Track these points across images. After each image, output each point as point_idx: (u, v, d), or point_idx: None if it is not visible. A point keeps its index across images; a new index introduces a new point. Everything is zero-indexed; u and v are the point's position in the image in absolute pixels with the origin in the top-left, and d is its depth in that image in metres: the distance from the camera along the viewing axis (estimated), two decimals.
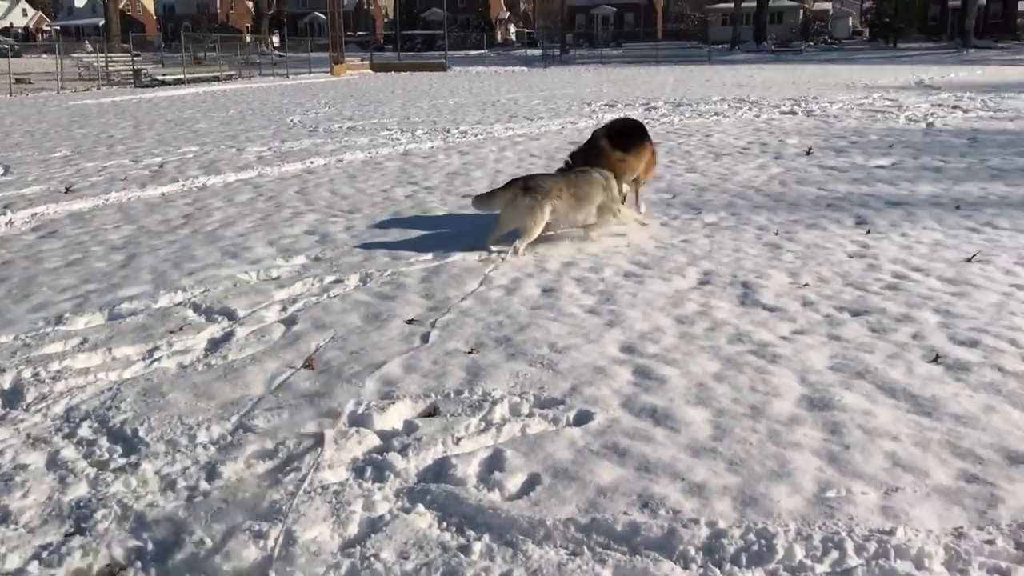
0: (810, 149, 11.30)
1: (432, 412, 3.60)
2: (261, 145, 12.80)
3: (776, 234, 6.82)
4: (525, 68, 47.43)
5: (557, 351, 4.30)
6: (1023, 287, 5.31)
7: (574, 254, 6.27)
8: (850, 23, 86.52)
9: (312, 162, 10.92)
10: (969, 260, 5.93)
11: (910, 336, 4.50)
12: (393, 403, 3.68)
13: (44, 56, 47.72)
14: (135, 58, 46.24)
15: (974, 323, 4.65)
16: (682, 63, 50.06)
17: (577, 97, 22.44)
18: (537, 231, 6.25)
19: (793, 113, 16.54)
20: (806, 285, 5.45)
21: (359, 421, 3.54)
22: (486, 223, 6.78)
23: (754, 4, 70.66)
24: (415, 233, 6.97)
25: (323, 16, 53.83)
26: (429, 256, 6.25)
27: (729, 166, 10.19)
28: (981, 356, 4.18)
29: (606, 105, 19.54)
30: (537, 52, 61.77)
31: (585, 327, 4.67)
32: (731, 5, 72.40)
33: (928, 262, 5.92)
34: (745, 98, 20.48)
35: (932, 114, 15.76)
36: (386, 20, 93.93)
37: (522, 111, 18.35)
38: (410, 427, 3.49)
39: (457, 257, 6.20)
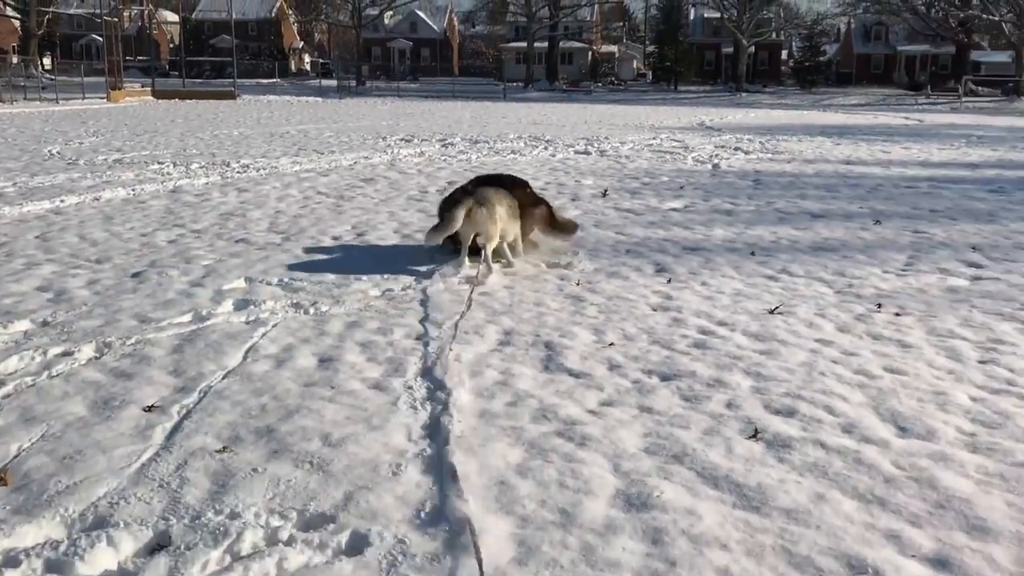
0: (606, 191, 11.15)
1: (159, 545, 2.77)
2: (5, 180, 11.19)
3: (578, 284, 6.40)
4: (320, 99, 46.21)
5: (331, 444, 3.56)
6: (827, 342, 5.09)
7: (359, 311, 5.55)
8: (635, 65, 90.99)
9: (63, 200, 9.56)
10: (772, 312, 5.71)
11: (724, 405, 4.10)
12: (107, 535, 2.80)
13: None
14: None
15: (787, 387, 4.34)
16: (478, 99, 50.52)
17: (372, 130, 21.72)
18: (497, 237, 6.66)
19: (587, 153, 16.60)
20: (612, 344, 5.01)
21: (55, 568, 2.65)
22: (260, 272, 5.95)
23: (546, 44, 72.83)
24: (173, 288, 6.01)
25: (100, 39, 50.09)
26: (186, 318, 5.34)
27: None
28: (800, 429, 3.82)
29: (402, 139, 18.96)
30: (332, 83, 60.55)
31: (367, 409, 3.96)
32: (524, 44, 74.23)
33: (732, 315, 5.65)
34: (540, 136, 20.52)
35: (717, 155, 16.27)
36: (171, 45, 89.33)
37: (312, 144, 17.43)
38: (124, 573, 2.64)
39: (220, 319, 5.34)
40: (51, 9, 75.24)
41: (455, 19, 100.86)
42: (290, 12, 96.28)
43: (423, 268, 6.72)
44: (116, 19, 55.50)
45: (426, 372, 4.50)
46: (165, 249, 7.29)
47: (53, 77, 54.06)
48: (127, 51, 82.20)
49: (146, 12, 69.85)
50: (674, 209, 9.98)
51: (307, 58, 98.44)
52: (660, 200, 10.62)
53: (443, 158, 15.17)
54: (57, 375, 4.34)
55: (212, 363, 4.54)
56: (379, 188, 11.16)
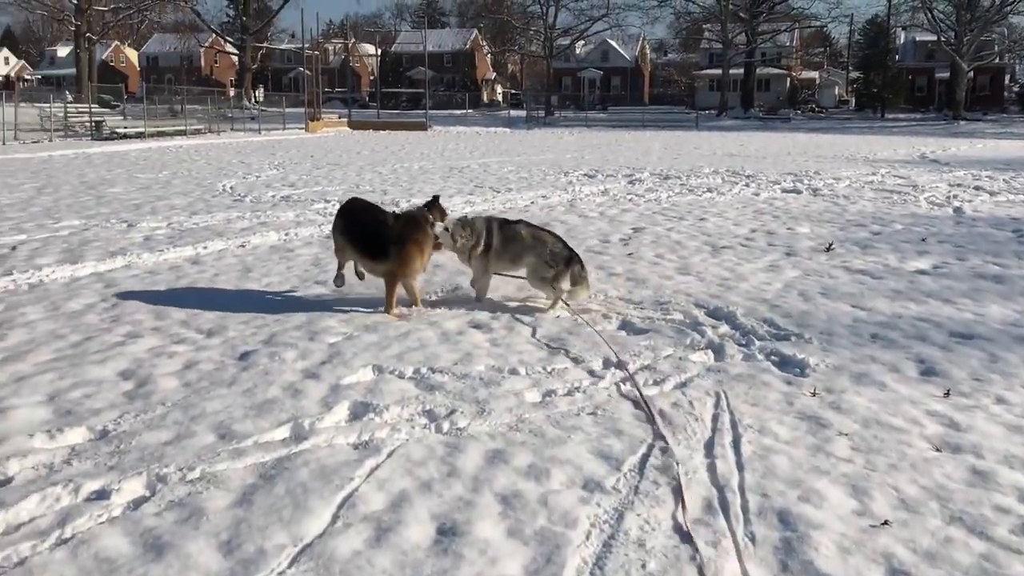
0: (831, 245, 9.14)
1: None
2: (162, 219, 10.56)
3: (814, 394, 4.60)
4: (508, 129, 45.76)
5: None
6: None
7: (509, 429, 4.02)
8: (836, 92, 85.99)
9: (206, 247, 8.67)
10: None
11: None
12: None
13: (23, 105, 45.69)
14: (104, 109, 44.29)
15: None
16: (669, 128, 48.59)
17: (555, 164, 20.41)
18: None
19: (797, 191, 14.49)
20: (885, 524, 3.22)
21: None
22: (394, 358, 4.58)
23: (741, 71, 69.80)
24: (280, 380, 4.71)
25: (309, 72, 52.13)
26: (280, 433, 4.00)
27: (732, 266, 8.01)
28: None
29: (585, 175, 17.49)
30: (522, 113, 60.31)
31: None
32: (718, 71, 71.50)
33: None
34: (740, 171, 18.49)
35: (955, 196, 13.77)
36: (371, 77, 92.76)
37: (490, 180, 16.27)
38: None
39: (323, 437, 3.95)
40: (264, 45, 79.74)
41: (647, 47, 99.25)
42: (484, 44, 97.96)
43: (596, 361, 5.13)
44: (318, 53, 57.76)
45: (599, 561, 2.90)
46: (292, 317, 6.07)
47: (264, 109, 56.96)
48: (330, 83, 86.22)
49: (348, 46, 72.73)
50: (921, 271, 7.88)
51: (499, 89, 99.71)
52: (900, 257, 8.53)
53: (629, 197, 13.55)
54: (68, 539, 3.05)
55: (283, 531, 3.12)
56: None
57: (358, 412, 4.32)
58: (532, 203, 12.80)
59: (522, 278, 6.51)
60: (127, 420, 4.15)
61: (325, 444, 3.90)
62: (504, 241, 6.28)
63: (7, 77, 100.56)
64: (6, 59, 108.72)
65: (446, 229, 6.15)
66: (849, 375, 4.93)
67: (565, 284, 6.22)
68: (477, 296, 6.48)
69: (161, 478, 3.56)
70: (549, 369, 4.98)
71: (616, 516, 3.27)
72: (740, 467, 3.71)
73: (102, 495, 3.41)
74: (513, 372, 4.93)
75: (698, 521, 3.25)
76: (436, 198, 6.42)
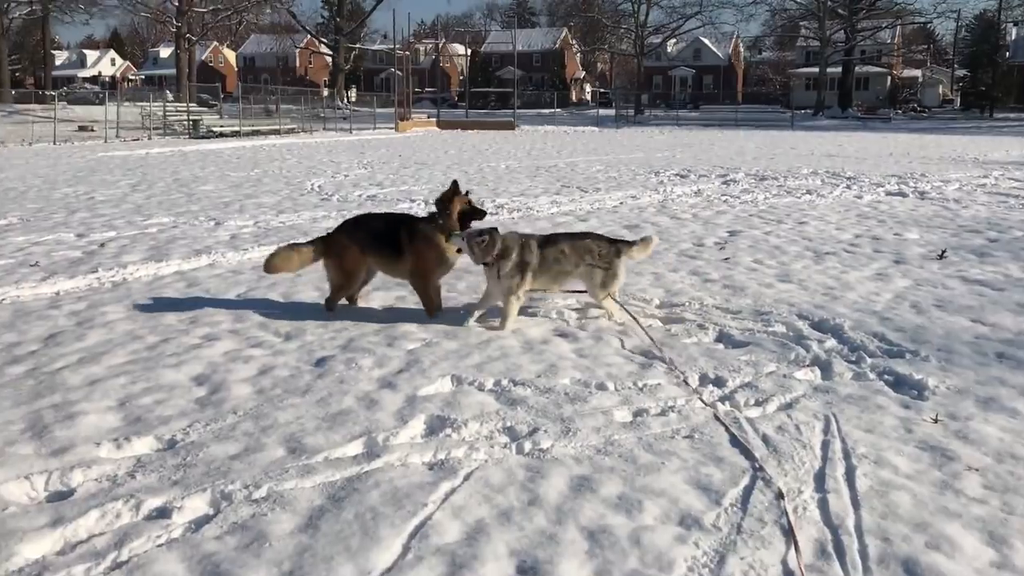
0: (944, 252, 8.51)
1: None
2: (249, 218, 10.56)
3: (935, 420, 4.14)
4: (596, 128, 45.29)
5: None
6: None
7: (596, 452, 3.70)
8: (940, 91, 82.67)
9: None
10: None
11: None
12: None
13: (127, 104, 47.36)
14: (202, 108, 45.56)
15: None
16: (763, 127, 47.36)
17: (645, 164, 19.94)
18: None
19: (902, 195, 13.73)
20: None
21: None
22: (474, 367, 4.31)
23: (839, 69, 67.69)
24: (355, 389, 4.48)
25: (400, 72, 52.65)
26: (353, 448, 3.77)
27: (836, 274, 7.49)
28: None
29: (677, 175, 16.98)
30: (610, 112, 59.68)
31: None
32: (815, 70, 69.48)
33: None
34: (840, 172, 17.70)
35: None
36: (461, 77, 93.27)
37: (577, 179, 15.92)
38: None
39: (396, 455, 3.70)
40: (357, 46, 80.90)
41: (741, 45, 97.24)
42: (574, 43, 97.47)
43: (692, 376, 4.76)
44: (409, 53, 58.25)
45: None
46: (371, 321, 5.86)
47: (357, 108, 57.79)
48: (420, 84, 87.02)
49: (439, 46, 73.21)
50: None
51: (587, 88, 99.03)
52: (1023, 267, 7.87)
53: (723, 199, 13.03)
54: (123, 563, 2.86)
55: (350, 562, 2.87)
56: None
57: (435, 427, 4.05)
58: (621, 203, 12.41)
59: (573, 292, 6.21)
60: (196, 430, 3.98)
61: (399, 463, 3.64)
62: (545, 260, 5.69)
63: (113, 77, 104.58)
64: (112, 60, 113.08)
65: (462, 239, 5.68)
66: (975, 400, 4.44)
67: (621, 275, 5.88)
68: (502, 322, 5.67)
69: (226, 496, 3.35)
70: (640, 385, 4.63)
71: (717, 559, 2.92)
72: (856, 504, 3.30)
73: (163, 513, 3.22)
74: (601, 387, 4.60)
75: (810, 567, 2.87)
76: (455, 185, 5.94)
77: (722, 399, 4.47)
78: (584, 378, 4.71)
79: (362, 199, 12.69)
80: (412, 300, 6.21)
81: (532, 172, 17.67)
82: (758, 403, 4.40)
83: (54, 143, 27.64)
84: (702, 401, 4.39)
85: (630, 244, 5.98)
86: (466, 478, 3.49)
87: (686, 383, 4.64)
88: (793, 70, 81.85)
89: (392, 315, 6.01)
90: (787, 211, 11.65)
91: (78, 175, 16.19)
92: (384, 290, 6.70)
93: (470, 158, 21.83)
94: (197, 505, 3.29)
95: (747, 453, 3.77)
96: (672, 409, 4.31)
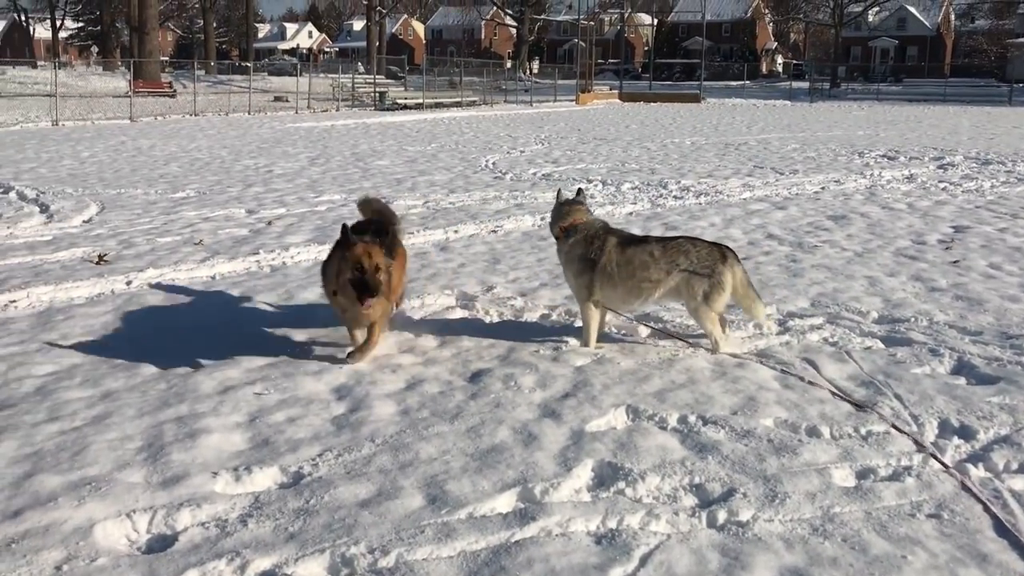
0: None
1: None
2: (419, 197, 10.13)
3: None
4: (788, 102, 42.82)
5: None
6: None
7: (812, 531, 2.84)
8: None
9: (456, 231, 8.02)
10: None
11: None
12: None
13: (320, 76, 49.16)
14: (389, 80, 46.51)
15: None
16: (975, 104, 43.29)
17: (845, 143, 18.24)
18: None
19: None
20: None
21: None
22: (651, 397, 3.55)
23: None
24: (510, 418, 3.80)
25: (583, 43, 51.84)
26: (504, 503, 3.10)
27: None
28: None
29: (884, 156, 15.33)
30: (804, 85, 56.39)
31: None
32: None
33: None
34: None
35: None
36: (645, 48, 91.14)
37: (771, 159, 14.62)
38: None
39: (555, 519, 2.98)
40: (542, 17, 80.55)
41: (951, 13, 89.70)
42: (766, 12, 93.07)
43: (929, 421, 3.77)
44: (594, 24, 57.20)
45: None
46: (536, 326, 5.17)
47: (539, 81, 57.49)
48: (604, 55, 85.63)
49: (624, 16, 71.67)
50: None
51: (779, 59, 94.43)
52: None
53: (942, 186, 11.48)
54: None
55: None
56: (854, 233, 8.10)
57: (605, 478, 3.30)
58: (823, 188, 11.14)
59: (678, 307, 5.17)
60: (327, 461, 3.41)
61: (558, 530, 2.91)
62: (623, 263, 4.59)
63: (309, 50, 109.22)
64: (310, 33, 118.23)
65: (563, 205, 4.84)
66: None
67: (728, 287, 4.55)
68: (584, 337, 4.78)
69: (346, 561, 2.74)
70: (863, 432, 3.70)
71: None
72: None
73: None
74: (813, 433, 3.70)
75: None
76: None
77: (972, 458, 3.48)
78: (791, 419, 3.82)
79: (536, 178, 12.05)
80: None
81: (720, 150, 16.48)
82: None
83: (249, 113, 28.70)
84: (943, 465, 3.41)
85: (734, 253, 4.74)
86: (642, 562, 2.72)
87: (917, 444, 3.64)
88: (1011, 40, 74.61)
89: (562, 319, 5.30)
90: (1021, 202, 10.05)
91: (262, 147, 16.44)
92: (552, 287, 5.99)
93: (652, 133, 20.78)
94: (312, 571, 2.70)
95: (1022, 548, 2.81)
96: (908, 471, 3.36)
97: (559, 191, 5.15)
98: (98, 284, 6.03)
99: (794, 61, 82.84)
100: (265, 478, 3.30)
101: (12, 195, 10.02)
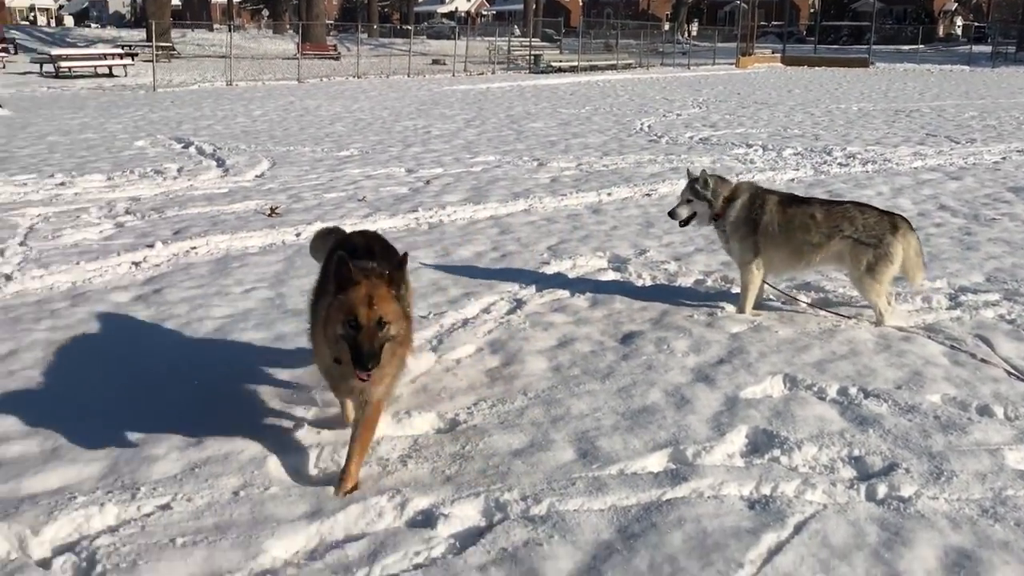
0: None
1: None
2: (572, 159, 10.12)
3: None
4: (967, 68, 40.02)
5: None
6: None
7: (984, 511, 2.71)
8: None
9: (609, 193, 7.99)
10: None
11: None
12: None
13: (476, 39, 49.71)
14: (544, 43, 46.48)
15: None
16: None
17: None
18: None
19: None
20: None
21: None
22: (810, 367, 3.47)
23: None
24: (662, 381, 3.79)
25: (745, 5, 50.10)
26: (654, 461, 3.10)
27: None
28: None
29: None
30: (985, 49, 52.50)
31: None
32: None
33: None
34: None
35: None
36: (811, 10, 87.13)
37: (946, 127, 13.76)
38: None
39: (707, 481, 2.98)
40: None
41: None
42: None
43: None
44: None
45: None
46: (690, 291, 5.11)
47: (697, 44, 56.03)
48: (766, 17, 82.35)
49: None
50: None
51: (958, 22, 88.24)
52: None
53: None
54: None
55: None
56: None
57: (759, 445, 3.25)
58: (1003, 158, 10.41)
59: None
60: (481, 410, 3.51)
61: (711, 492, 2.90)
62: (784, 223, 4.48)
63: (467, 13, 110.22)
64: None
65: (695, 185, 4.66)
66: None
67: (897, 260, 4.34)
68: (741, 302, 4.65)
69: (500, 506, 2.82)
70: None
71: None
72: None
73: (428, 520, 2.76)
74: (985, 412, 3.52)
75: None
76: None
77: None
78: (961, 396, 3.64)
79: (693, 142, 11.80)
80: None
81: (889, 116, 15.64)
82: None
83: (408, 76, 29.32)
84: None
85: (908, 223, 4.51)
86: (797, 530, 2.68)
87: None
88: None
89: (717, 286, 5.21)
90: None
91: (421, 108, 16.80)
92: (708, 253, 5.89)
93: (816, 98, 19.92)
94: (467, 513, 2.80)
95: None
96: None
97: (688, 170, 5.02)
98: (270, 235, 6.37)
99: (975, 23, 77.21)
100: (423, 422, 3.44)
101: (192, 150, 10.66)
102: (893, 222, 4.45)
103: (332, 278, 2.75)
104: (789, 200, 4.63)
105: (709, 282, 5.28)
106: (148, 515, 2.75)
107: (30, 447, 3.18)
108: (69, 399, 3.63)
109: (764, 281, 4.70)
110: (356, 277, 2.69)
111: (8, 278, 5.24)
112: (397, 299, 2.77)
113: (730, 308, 4.72)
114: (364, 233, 3.56)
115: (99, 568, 2.48)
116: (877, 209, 4.58)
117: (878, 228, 4.40)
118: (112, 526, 2.70)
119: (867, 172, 9.31)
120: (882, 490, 2.92)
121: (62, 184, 8.21)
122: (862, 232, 4.40)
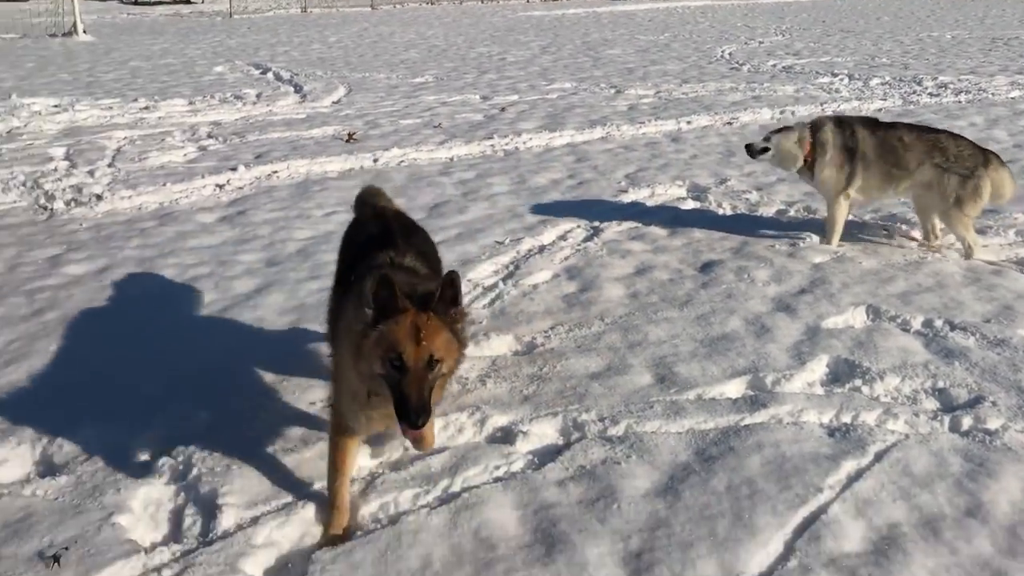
0: None
1: None
2: (651, 87, 9.92)
3: None
4: None
5: None
6: None
7: None
8: None
9: (689, 122, 7.83)
10: None
11: None
12: None
13: None
14: None
15: None
16: None
17: None
18: None
19: None
20: None
21: None
22: (895, 298, 3.42)
23: None
24: (742, 309, 3.75)
25: None
26: (732, 387, 3.10)
27: None
28: None
29: None
30: None
31: None
32: None
33: None
34: None
35: None
36: None
37: None
38: None
39: (786, 408, 2.96)
40: None
41: None
42: None
43: None
44: None
45: None
46: (772, 222, 5.02)
47: None
48: None
49: None
50: None
51: None
52: None
53: None
54: (453, 497, 2.49)
55: (711, 556, 2.23)
56: None
57: (840, 374, 3.22)
58: None
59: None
60: (558, 334, 3.54)
61: (790, 419, 2.89)
62: (876, 145, 4.37)
63: None
64: None
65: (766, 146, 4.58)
66: None
67: (986, 194, 4.22)
68: (828, 233, 4.53)
69: (578, 426, 2.87)
70: None
71: None
72: None
73: (507, 436, 2.82)
74: None
75: None
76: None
77: None
78: None
79: (775, 70, 11.44)
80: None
81: (986, 44, 14.89)
82: None
83: (481, 2, 28.94)
84: None
85: (999, 158, 4.35)
86: (877, 458, 2.66)
87: None
88: None
89: (799, 217, 5.11)
90: None
91: (495, 35, 16.60)
92: (790, 183, 5.76)
93: (906, 26, 19.06)
94: (545, 431, 2.85)
95: None
96: None
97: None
98: (348, 160, 6.43)
99: None
100: (501, 344, 3.48)
101: (270, 76, 10.76)
102: (986, 156, 4.31)
103: (369, 299, 2.12)
104: (875, 124, 4.51)
105: (792, 212, 5.18)
106: (239, 422, 2.87)
107: (125, 355, 3.32)
108: (160, 316, 3.77)
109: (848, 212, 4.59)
110: (401, 304, 2.10)
111: (99, 198, 5.42)
112: (452, 326, 2.17)
113: (813, 238, 4.62)
114: (385, 214, 2.96)
115: (195, 471, 2.60)
116: (969, 141, 4.42)
117: (971, 161, 4.26)
118: (206, 431, 2.82)
119: (960, 102, 8.92)
120: (967, 422, 2.87)
121: (146, 108, 8.40)
122: (953, 163, 4.26)
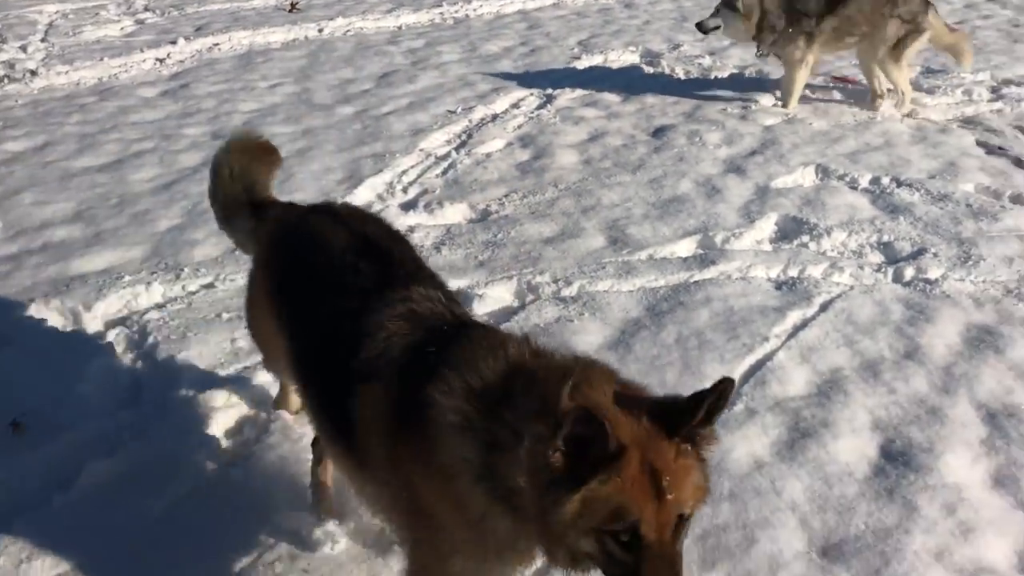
0: None
1: None
2: None
3: None
4: None
5: None
6: None
7: (1005, 294, 2.77)
8: None
9: None
10: None
11: None
12: None
13: None
14: None
15: None
16: None
17: None
18: None
19: None
20: None
21: None
22: (844, 156, 3.47)
23: None
24: (694, 171, 3.77)
25: None
26: (683, 247, 3.15)
27: None
28: None
29: None
30: None
31: None
32: None
33: None
34: None
35: None
36: None
37: None
38: None
39: (735, 264, 3.03)
40: None
41: None
42: None
43: None
44: None
45: None
46: (725, 84, 5.00)
47: None
48: None
49: None
50: None
51: None
52: None
53: None
54: None
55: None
56: None
57: (788, 232, 3.28)
58: None
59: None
60: (512, 201, 3.54)
61: (738, 274, 2.96)
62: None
63: None
64: None
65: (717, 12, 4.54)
66: None
67: (925, 37, 4.32)
68: (784, 99, 4.54)
69: (532, 288, 2.91)
70: None
71: None
72: None
73: (463, 300, 2.80)
74: (1018, 200, 3.51)
75: None
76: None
77: None
78: (995, 186, 3.62)
79: None
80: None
81: None
82: None
83: None
84: None
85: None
86: (823, 308, 2.75)
87: None
88: None
89: (752, 78, 5.08)
90: None
91: None
92: (744, 48, 5.69)
93: None
94: (500, 295, 2.89)
95: None
96: None
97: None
98: (292, 31, 6.23)
99: None
100: (455, 213, 3.48)
101: None
102: (931, 4, 4.39)
103: (559, 439, 1.24)
104: None
105: (745, 76, 5.15)
106: (193, 293, 2.87)
107: (73, 232, 3.27)
108: (107, 189, 3.69)
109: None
110: (622, 441, 1.24)
111: (34, 73, 5.22)
112: (703, 457, 1.33)
113: (764, 102, 4.62)
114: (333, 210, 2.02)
115: (151, 339, 2.61)
116: None
117: (917, 6, 4.32)
118: (159, 303, 2.82)
119: None
120: (909, 272, 2.96)
121: None
122: (899, 7, 4.30)
